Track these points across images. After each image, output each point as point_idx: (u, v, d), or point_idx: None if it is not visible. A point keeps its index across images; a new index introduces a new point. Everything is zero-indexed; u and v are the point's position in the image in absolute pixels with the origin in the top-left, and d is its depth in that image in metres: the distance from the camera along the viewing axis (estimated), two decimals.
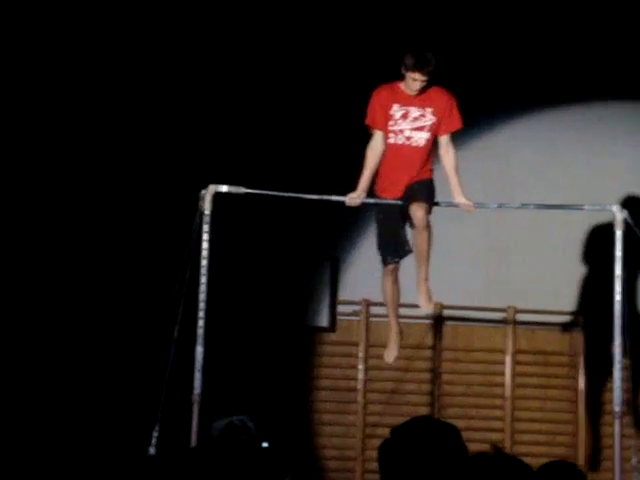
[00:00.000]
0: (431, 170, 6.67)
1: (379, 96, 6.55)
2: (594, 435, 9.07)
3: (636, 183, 9.21)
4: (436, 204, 6.66)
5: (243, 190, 6.70)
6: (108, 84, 8.79)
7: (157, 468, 2.74)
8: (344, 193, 6.66)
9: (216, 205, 6.63)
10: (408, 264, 6.75)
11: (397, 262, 6.67)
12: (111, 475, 2.67)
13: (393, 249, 6.61)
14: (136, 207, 8.75)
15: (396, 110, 6.51)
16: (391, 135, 6.55)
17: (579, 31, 9.16)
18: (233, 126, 8.99)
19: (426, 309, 6.71)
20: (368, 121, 6.60)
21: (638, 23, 9.11)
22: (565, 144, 9.31)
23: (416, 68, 6.37)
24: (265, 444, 4.12)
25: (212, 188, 6.60)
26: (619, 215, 6.63)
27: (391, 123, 6.52)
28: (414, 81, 6.41)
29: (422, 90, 6.49)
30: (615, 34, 9.15)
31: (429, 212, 6.50)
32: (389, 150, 6.56)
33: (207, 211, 6.56)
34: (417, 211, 6.41)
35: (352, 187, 6.66)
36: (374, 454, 3.26)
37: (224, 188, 6.63)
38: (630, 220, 6.64)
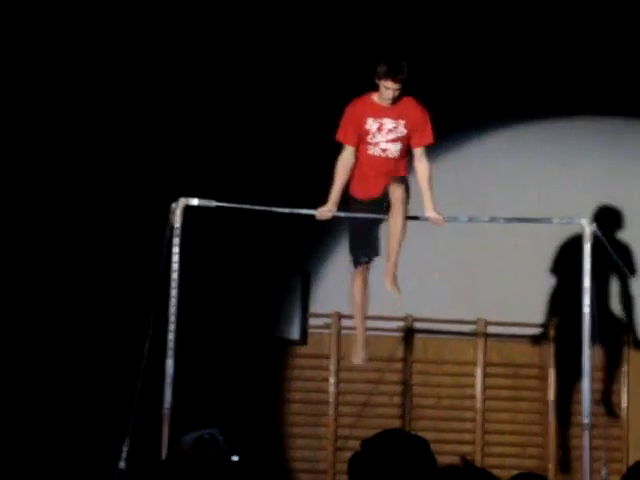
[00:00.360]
0: (406, 169, 6.70)
1: (352, 111, 6.58)
2: (564, 447, 9.11)
3: (606, 196, 9.28)
4: (407, 217, 6.69)
5: (214, 203, 6.70)
6: (79, 96, 8.77)
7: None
8: (315, 206, 6.67)
9: (187, 218, 6.62)
10: (377, 274, 6.75)
11: (367, 262, 6.67)
12: None
13: (363, 248, 6.61)
14: (106, 220, 8.73)
15: (371, 124, 6.55)
16: (369, 147, 6.59)
17: (550, 46, 9.22)
18: (204, 139, 8.98)
19: (391, 291, 6.62)
20: (339, 136, 6.62)
21: (606, 39, 9.19)
22: (536, 158, 9.36)
23: (388, 76, 6.40)
24: (235, 458, 4.12)
25: (182, 201, 6.59)
26: (588, 228, 6.67)
27: (369, 137, 6.55)
28: (387, 89, 6.44)
29: (395, 101, 6.53)
30: (584, 50, 9.23)
31: (407, 191, 6.51)
32: (366, 160, 6.60)
33: (177, 224, 6.55)
34: (395, 190, 6.44)
35: (322, 200, 6.67)
36: (345, 467, 3.27)
37: (194, 201, 6.63)
38: (599, 233, 6.69)
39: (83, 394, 8.27)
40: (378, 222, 6.68)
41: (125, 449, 6.20)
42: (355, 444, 3.31)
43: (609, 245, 6.71)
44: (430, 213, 6.65)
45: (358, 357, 7.01)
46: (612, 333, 9.07)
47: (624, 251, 9.10)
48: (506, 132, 9.40)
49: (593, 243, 6.66)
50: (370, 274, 6.83)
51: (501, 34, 9.20)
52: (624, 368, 9.21)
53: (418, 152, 6.64)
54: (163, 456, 6.10)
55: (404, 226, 6.48)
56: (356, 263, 6.70)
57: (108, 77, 8.82)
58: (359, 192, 6.68)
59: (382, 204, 6.58)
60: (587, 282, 6.67)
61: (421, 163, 6.65)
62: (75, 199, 8.72)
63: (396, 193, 6.46)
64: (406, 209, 6.49)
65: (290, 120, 9.05)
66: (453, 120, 9.18)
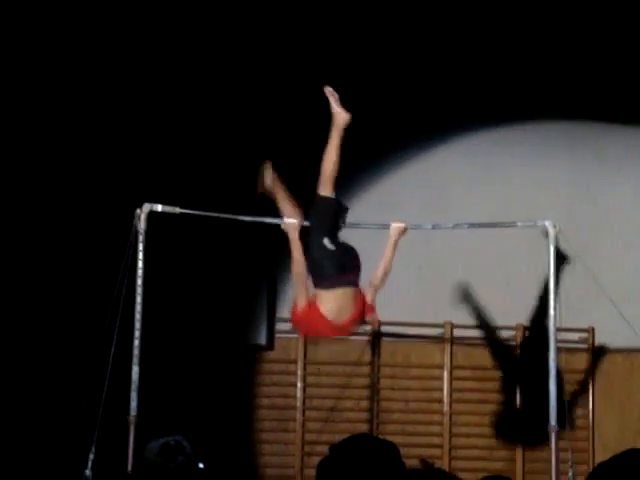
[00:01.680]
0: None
1: None
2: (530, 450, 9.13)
3: (572, 199, 9.32)
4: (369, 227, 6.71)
5: (178, 210, 6.68)
6: (43, 98, 8.71)
7: None
8: (278, 214, 6.65)
9: (151, 224, 6.59)
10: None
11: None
12: None
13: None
14: (70, 225, 8.67)
15: None
16: None
17: (514, 50, 9.26)
18: (168, 145, 8.95)
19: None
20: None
21: (574, 42, 9.24)
22: (500, 162, 9.40)
23: None
24: (201, 465, 4.09)
25: (147, 207, 6.57)
26: (552, 230, 6.71)
27: None
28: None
29: None
30: (549, 52, 9.28)
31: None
32: None
33: (142, 230, 6.52)
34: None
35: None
36: (313, 472, 3.25)
37: (159, 207, 6.60)
38: (563, 235, 6.72)
39: (48, 401, 8.20)
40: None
41: (91, 457, 6.16)
42: (323, 449, 3.30)
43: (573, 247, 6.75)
44: (394, 223, 6.64)
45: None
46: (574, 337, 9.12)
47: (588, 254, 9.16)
48: (469, 136, 9.43)
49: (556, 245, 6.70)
50: None
51: (464, 40, 9.24)
52: (589, 370, 9.26)
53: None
54: (129, 463, 6.06)
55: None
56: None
57: (73, 81, 8.77)
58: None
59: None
60: (552, 284, 6.70)
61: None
62: (39, 205, 8.66)
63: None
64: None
65: (255, 129, 9.03)
66: (417, 125, 9.21)
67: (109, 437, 6.35)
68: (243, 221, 6.99)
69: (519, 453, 9.13)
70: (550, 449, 6.65)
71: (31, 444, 7.98)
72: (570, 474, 6.75)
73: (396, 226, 6.61)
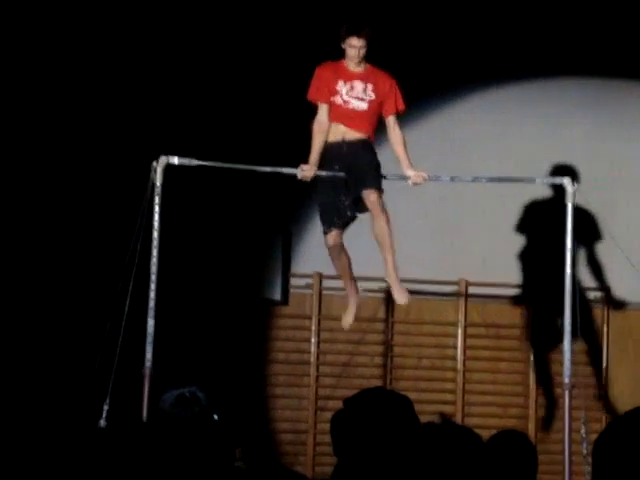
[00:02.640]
0: (372, 133, 6.66)
1: (323, 72, 6.59)
2: (548, 405, 9.15)
3: (589, 157, 9.27)
4: (384, 177, 6.66)
5: (195, 162, 6.66)
6: (56, 57, 8.67)
7: (107, 441, 2.71)
8: (297, 165, 6.64)
9: (168, 177, 6.58)
10: (358, 234, 6.73)
11: (333, 231, 6.59)
12: (61, 447, 2.64)
13: (330, 219, 6.57)
14: (86, 179, 8.67)
15: (341, 86, 6.56)
16: (337, 102, 6.58)
17: (532, 6, 9.17)
18: (185, 97, 8.91)
19: (403, 302, 6.68)
20: (311, 96, 6.60)
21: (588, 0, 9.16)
22: (518, 118, 9.33)
23: (351, 33, 6.41)
24: (215, 416, 4.11)
25: (163, 160, 6.55)
26: (570, 188, 6.67)
27: (336, 97, 6.54)
28: (352, 48, 6.45)
29: (364, 66, 6.52)
30: (567, 9, 9.18)
31: (381, 193, 6.49)
32: (334, 112, 6.56)
33: (158, 183, 6.51)
34: (370, 195, 6.41)
35: (304, 159, 6.64)
36: (326, 427, 3.26)
37: (175, 160, 6.59)
38: (581, 194, 6.69)
39: (63, 353, 8.24)
40: (343, 188, 6.60)
41: (106, 407, 6.19)
42: (336, 404, 3.30)
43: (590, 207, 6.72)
44: (408, 171, 6.63)
45: (346, 322, 6.98)
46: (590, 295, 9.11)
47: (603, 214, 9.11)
48: (488, 93, 9.36)
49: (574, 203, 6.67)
50: (351, 233, 6.81)
51: None
52: (604, 329, 9.25)
53: (391, 121, 6.66)
54: (144, 414, 6.09)
55: (391, 234, 6.46)
56: (324, 231, 6.64)
57: (87, 38, 8.72)
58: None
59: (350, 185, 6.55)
60: (569, 242, 6.67)
61: (394, 131, 6.67)
62: (54, 159, 8.65)
63: (371, 197, 6.42)
64: (387, 214, 6.44)
65: (272, 79, 8.99)
66: (434, 82, 9.14)
67: (124, 388, 6.38)
68: (259, 176, 6.98)
69: (532, 411, 9.15)
70: (564, 406, 6.66)
71: (46, 394, 8.03)
72: (583, 431, 6.75)
73: (414, 174, 6.60)
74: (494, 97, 9.35)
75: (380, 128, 6.78)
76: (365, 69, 6.57)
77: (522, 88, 9.36)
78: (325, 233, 6.63)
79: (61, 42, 8.65)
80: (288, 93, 8.76)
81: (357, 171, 6.51)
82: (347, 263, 6.74)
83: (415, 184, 6.68)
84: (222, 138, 8.72)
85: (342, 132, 6.58)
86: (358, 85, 6.55)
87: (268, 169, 6.78)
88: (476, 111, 9.32)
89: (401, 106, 6.65)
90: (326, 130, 6.56)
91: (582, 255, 8.96)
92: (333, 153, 6.58)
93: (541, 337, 9.13)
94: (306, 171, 6.54)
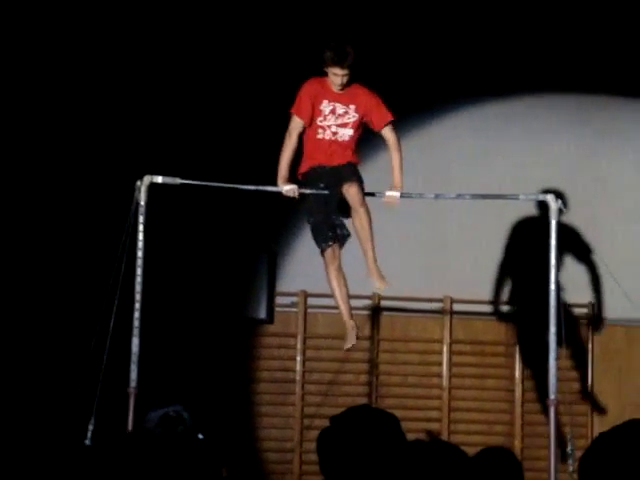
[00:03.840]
0: (355, 155, 6.68)
1: (310, 88, 6.59)
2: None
3: (574, 173, 9.30)
4: (371, 194, 6.68)
5: (178, 181, 6.66)
6: (41, 74, 8.67)
7: (92, 458, 2.69)
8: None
9: (152, 196, 6.57)
10: (348, 252, 6.73)
11: (332, 246, 6.60)
12: (45, 465, 2.63)
13: (325, 234, 6.57)
14: (71, 198, 8.65)
15: (325, 106, 6.58)
16: (319, 131, 6.60)
17: (516, 23, 9.22)
18: (168, 117, 8.91)
19: (381, 288, 6.65)
20: (295, 110, 6.60)
21: (573, 16, 9.19)
22: (502, 135, 9.37)
23: (335, 63, 6.43)
24: (201, 436, 4.09)
25: (147, 179, 6.55)
26: (554, 205, 6.68)
27: (320, 119, 6.58)
28: (335, 76, 6.47)
29: (346, 87, 6.54)
30: (551, 26, 9.23)
31: (363, 191, 6.50)
32: (316, 144, 6.59)
33: (142, 202, 6.51)
34: (350, 188, 6.42)
35: (289, 178, 6.63)
36: (312, 445, 3.25)
37: (159, 179, 6.59)
38: (564, 209, 6.70)
39: (47, 372, 8.21)
40: (335, 209, 6.61)
41: (91, 427, 6.17)
42: (322, 423, 3.29)
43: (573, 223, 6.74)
44: (388, 191, 6.65)
45: (346, 344, 6.94)
46: (573, 313, 9.13)
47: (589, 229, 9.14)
48: (472, 109, 9.40)
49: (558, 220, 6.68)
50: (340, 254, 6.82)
51: (466, 11, 9.19)
52: (588, 345, 9.27)
53: (385, 134, 6.67)
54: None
55: (370, 225, 6.46)
56: (321, 250, 6.63)
57: (71, 55, 8.72)
58: (307, 165, 6.65)
59: (332, 187, 6.55)
60: (553, 259, 6.68)
61: (389, 140, 6.67)
62: (38, 178, 8.64)
63: (351, 191, 6.43)
64: (367, 207, 6.46)
65: (254, 99, 9.00)
66: (418, 99, 9.17)
67: (109, 408, 6.35)
68: (243, 194, 6.97)
69: (518, 428, 9.15)
70: (549, 423, 6.66)
71: (31, 415, 7.99)
72: (569, 448, 6.75)
73: (388, 195, 6.61)
74: (478, 114, 9.39)
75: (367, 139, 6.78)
76: (347, 90, 6.59)
77: (506, 105, 9.40)
78: (323, 250, 6.59)
79: (44, 58, 8.65)
80: (271, 111, 8.78)
81: (339, 176, 6.53)
82: (345, 284, 6.72)
83: (387, 203, 6.67)
84: (206, 157, 8.73)
85: (325, 162, 6.60)
86: (339, 108, 6.58)
87: (252, 187, 6.78)
88: (460, 128, 9.35)
89: (389, 117, 6.66)
90: (294, 144, 6.57)
91: (566, 271, 8.97)
92: (317, 173, 6.60)
93: (527, 354, 9.14)
94: (290, 190, 6.53)
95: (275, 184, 6.65)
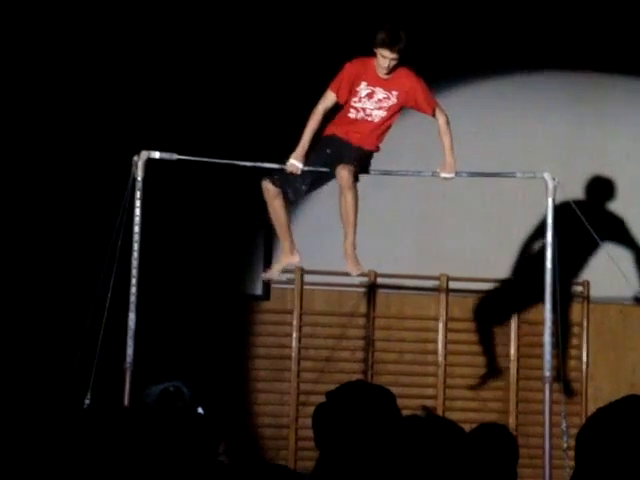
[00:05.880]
0: (377, 147, 6.70)
1: (352, 69, 6.58)
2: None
3: (570, 152, 9.30)
4: (367, 172, 6.70)
5: (175, 156, 6.65)
6: (35, 53, 8.64)
7: (90, 426, 2.69)
8: (279, 160, 6.63)
9: (149, 172, 6.57)
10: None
11: (275, 185, 6.54)
12: (43, 433, 2.63)
13: (282, 179, 6.53)
14: (67, 173, 8.64)
15: (363, 88, 6.56)
16: (352, 110, 6.60)
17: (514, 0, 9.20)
18: (166, 91, 8.88)
19: (354, 274, 6.69)
20: (333, 87, 6.57)
21: None
22: (499, 113, 9.36)
23: (385, 45, 6.42)
24: (200, 410, 4.11)
25: (144, 154, 6.54)
26: (550, 183, 6.69)
27: (355, 99, 6.55)
28: (383, 58, 6.46)
29: (391, 71, 6.53)
30: (548, 3, 9.20)
31: (355, 175, 6.50)
32: (345, 122, 6.58)
33: (139, 177, 6.50)
34: (342, 170, 6.43)
35: (287, 154, 6.62)
36: (308, 422, 3.26)
37: (156, 154, 6.58)
38: (562, 188, 6.71)
39: (44, 347, 8.22)
40: (307, 180, 6.63)
41: (87, 402, 6.18)
42: (318, 399, 3.30)
43: (572, 202, 6.75)
44: (443, 173, 6.75)
45: (270, 273, 6.94)
46: (569, 288, 9.15)
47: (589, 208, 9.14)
48: (469, 87, 9.38)
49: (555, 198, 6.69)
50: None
51: None
52: (583, 323, 9.30)
53: (438, 118, 6.72)
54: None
55: (354, 211, 6.47)
56: (269, 180, 6.56)
57: (68, 31, 8.69)
58: (328, 131, 6.66)
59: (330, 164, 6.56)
60: (549, 237, 6.70)
61: (439, 120, 6.72)
62: (35, 155, 8.62)
63: (343, 172, 6.43)
64: (355, 192, 6.46)
65: (254, 73, 8.98)
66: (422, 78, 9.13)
67: (105, 383, 6.37)
68: (241, 170, 6.97)
69: (512, 405, 9.19)
70: (544, 400, 6.68)
71: (27, 388, 8.00)
72: (563, 425, 6.78)
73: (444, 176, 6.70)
74: (474, 92, 9.37)
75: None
76: (392, 75, 6.56)
77: (503, 82, 9.38)
78: (266, 181, 6.55)
79: (41, 37, 8.62)
80: (269, 89, 8.77)
81: (341, 154, 6.53)
82: (285, 212, 6.66)
83: (445, 179, 6.78)
84: (204, 133, 8.71)
85: (343, 136, 6.60)
86: (380, 92, 6.57)
87: (249, 164, 6.77)
88: (456, 106, 9.29)
89: (432, 103, 6.68)
90: (320, 119, 6.56)
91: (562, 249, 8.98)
92: (327, 143, 6.60)
93: (523, 330, 9.17)
94: (295, 165, 6.50)
95: (273, 160, 6.64)
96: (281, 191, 6.59)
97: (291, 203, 6.71)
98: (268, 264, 9.17)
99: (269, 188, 6.58)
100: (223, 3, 9.00)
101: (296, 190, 6.62)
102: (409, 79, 6.61)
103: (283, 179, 6.57)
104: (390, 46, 6.41)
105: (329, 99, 6.56)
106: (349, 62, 6.59)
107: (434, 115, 6.73)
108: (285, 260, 6.92)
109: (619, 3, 9.17)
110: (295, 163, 6.50)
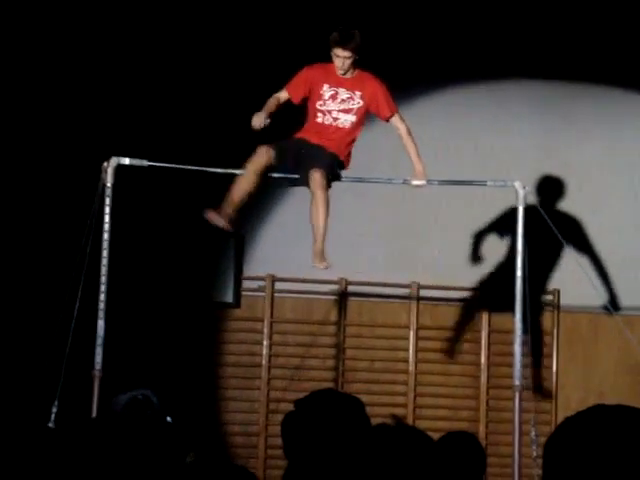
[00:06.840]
0: (348, 155, 6.70)
1: (310, 71, 6.61)
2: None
3: (540, 161, 9.33)
4: (339, 179, 6.69)
5: (146, 163, 6.63)
6: (6, 55, 8.59)
7: (56, 441, 2.67)
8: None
9: (119, 178, 6.53)
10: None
11: (270, 152, 6.49)
12: (9, 446, 2.60)
13: (280, 147, 6.51)
14: (36, 180, 8.58)
15: (326, 90, 6.59)
16: (319, 115, 6.62)
17: (487, 8, 9.22)
18: (136, 98, 8.85)
19: (320, 268, 6.63)
20: (287, 85, 6.58)
21: (542, 1, 9.21)
22: (471, 122, 9.38)
23: (337, 44, 6.45)
24: (169, 419, 4.08)
25: (114, 160, 6.51)
26: (521, 191, 6.71)
27: (319, 103, 6.58)
28: (337, 57, 6.49)
29: (353, 73, 6.57)
30: (519, 11, 9.24)
31: (327, 179, 6.49)
32: (315, 128, 6.59)
33: (109, 184, 6.47)
34: (314, 173, 6.42)
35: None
36: (278, 430, 3.24)
37: (126, 160, 6.55)
38: (532, 196, 6.73)
39: (11, 354, 8.15)
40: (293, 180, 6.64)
41: (54, 410, 6.13)
42: (288, 407, 3.29)
43: (542, 210, 6.76)
44: (414, 181, 6.74)
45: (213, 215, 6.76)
46: (539, 297, 9.17)
47: (558, 216, 9.17)
48: (440, 95, 9.40)
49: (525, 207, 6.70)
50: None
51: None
52: (554, 332, 9.32)
53: (392, 122, 6.71)
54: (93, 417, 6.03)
55: (326, 213, 6.46)
56: (270, 146, 6.50)
57: (39, 38, 8.65)
58: (298, 135, 6.65)
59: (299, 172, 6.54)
60: (520, 245, 6.71)
61: (399, 130, 6.72)
62: (5, 159, 8.56)
63: (315, 175, 6.42)
64: (326, 195, 6.45)
65: (225, 80, 8.96)
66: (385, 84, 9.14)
67: (73, 390, 6.32)
68: (211, 177, 6.94)
69: (483, 414, 9.20)
70: (514, 408, 6.69)
71: None
72: (532, 434, 6.79)
73: (416, 184, 6.67)
74: (444, 100, 9.39)
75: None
76: (353, 76, 6.59)
77: (474, 90, 9.40)
78: (264, 145, 6.50)
79: (14, 42, 8.57)
80: (240, 92, 8.74)
81: (312, 158, 6.51)
82: (252, 180, 6.55)
83: (416, 186, 6.77)
84: (173, 140, 8.68)
85: (315, 140, 6.59)
86: (343, 93, 6.58)
87: (220, 170, 6.76)
88: (427, 114, 9.35)
89: (393, 108, 6.68)
90: (274, 105, 6.52)
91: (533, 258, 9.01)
92: (294, 144, 6.58)
93: (493, 339, 9.18)
94: (259, 118, 6.40)
95: (242, 167, 6.62)
96: (269, 157, 6.50)
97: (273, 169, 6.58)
98: (239, 271, 9.16)
99: (261, 149, 6.50)
100: (195, 10, 8.97)
101: (284, 164, 6.56)
102: (372, 81, 6.66)
103: (279, 149, 6.54)
104: (343, 45, 6.45)
105: (281, 92, 6.61)
106: (307, 66, 6.63)
107: (390, 120, 6.70)
108: (212, 216, 6.68)
109: (587, 13, 9.22)
110: (256, 116, 6.40)
